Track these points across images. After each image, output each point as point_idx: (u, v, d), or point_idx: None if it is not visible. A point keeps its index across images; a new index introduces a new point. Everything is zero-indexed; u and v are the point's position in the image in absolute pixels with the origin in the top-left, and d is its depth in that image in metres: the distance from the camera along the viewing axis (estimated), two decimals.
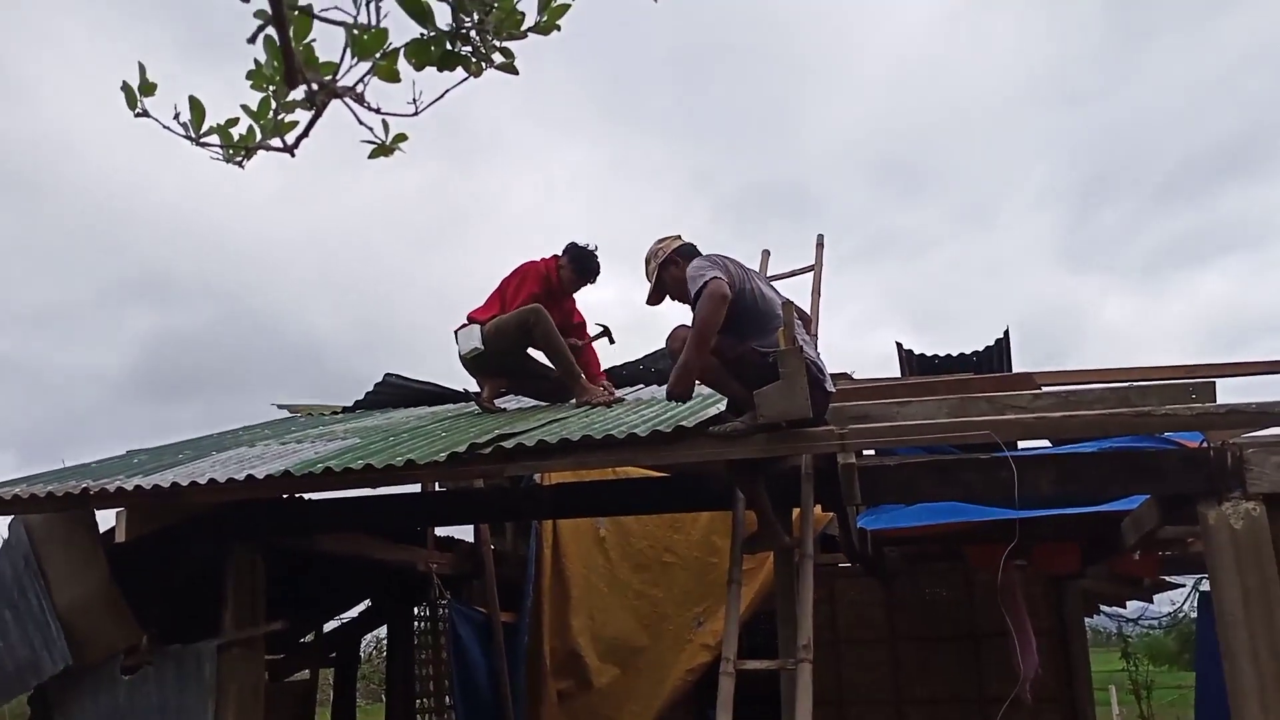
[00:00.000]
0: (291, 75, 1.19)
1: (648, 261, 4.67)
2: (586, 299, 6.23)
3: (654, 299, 4.65)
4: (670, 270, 4.54)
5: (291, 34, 1.14)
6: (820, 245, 6.24)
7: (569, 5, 1.38)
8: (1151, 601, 10.79)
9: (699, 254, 4.48)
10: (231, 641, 5.04)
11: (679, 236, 4.69)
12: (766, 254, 6.34)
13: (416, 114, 1.35)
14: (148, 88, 1.35)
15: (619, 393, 6.00)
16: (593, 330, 6.39)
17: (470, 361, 5.92)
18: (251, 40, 1.19)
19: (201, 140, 1.37)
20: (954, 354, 7.45)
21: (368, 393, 7.43)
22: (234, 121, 1.38)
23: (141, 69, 1.35)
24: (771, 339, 4.08)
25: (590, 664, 7.21)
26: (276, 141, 1.36)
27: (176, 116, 1.36)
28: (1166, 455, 4.17)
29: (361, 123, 1.33)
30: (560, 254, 6.15)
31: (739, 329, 4.15)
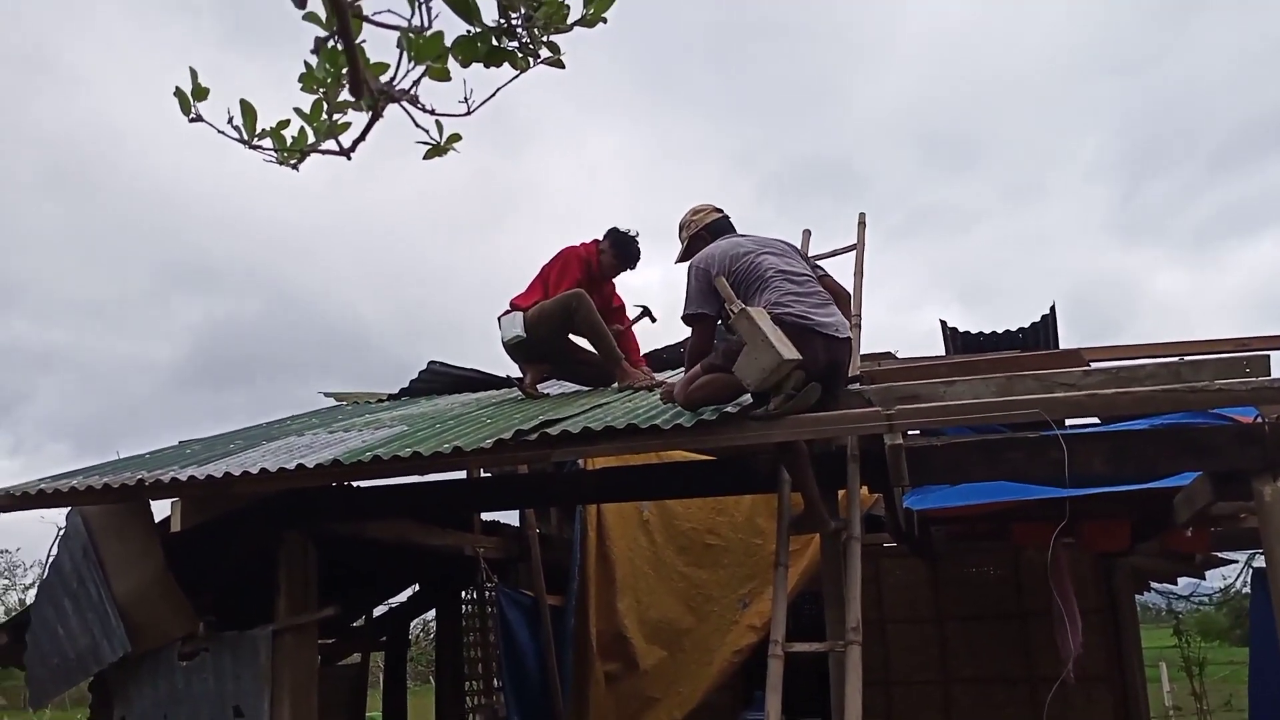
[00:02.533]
0: (357, 85, 1.19)
1: (681, 229, 4.94)
2: (630, 281, 6.24)
3: (683, 261, 4.82)
4: (698, 246, 4.75)
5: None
6: (862, 224, 6.18)
7: None
8: (1203, 578, 10.63)
9: (730, 229, 4.81)
10: (285, 627, 5.12)
11: (717, 210, 4.90)
12: (807, 234, 6.29)
13: (469, 113, 1.35)
14: (200, 92, 1.36)
15: (660, 376, 6.00)
16: (632, 313, 6.40)
17: (513, 348, 5.95)
18: (316, 51, 1.20)
19: (255, 144, 1.38)
20: (999, 331, 7.36)
21: (412, 380, 7.49)
22: (285, 124, 1.39)
23: (193, 74, 1.36)
24: (762, 299, 4.23)
25: (636, 646, 7.23)
26: (331, 144, 1.36)
27: (230, 120, 1.38)
28: (1220, 431, 4.10)
29: (417, 124, 1.34)
30: (601, 239, 6.16)
31: (746, 299, 4.26)
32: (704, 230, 4.82)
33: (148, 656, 5.19)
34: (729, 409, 4.13)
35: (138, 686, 5.23)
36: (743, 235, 4.74)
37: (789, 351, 3.90)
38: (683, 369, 4.68)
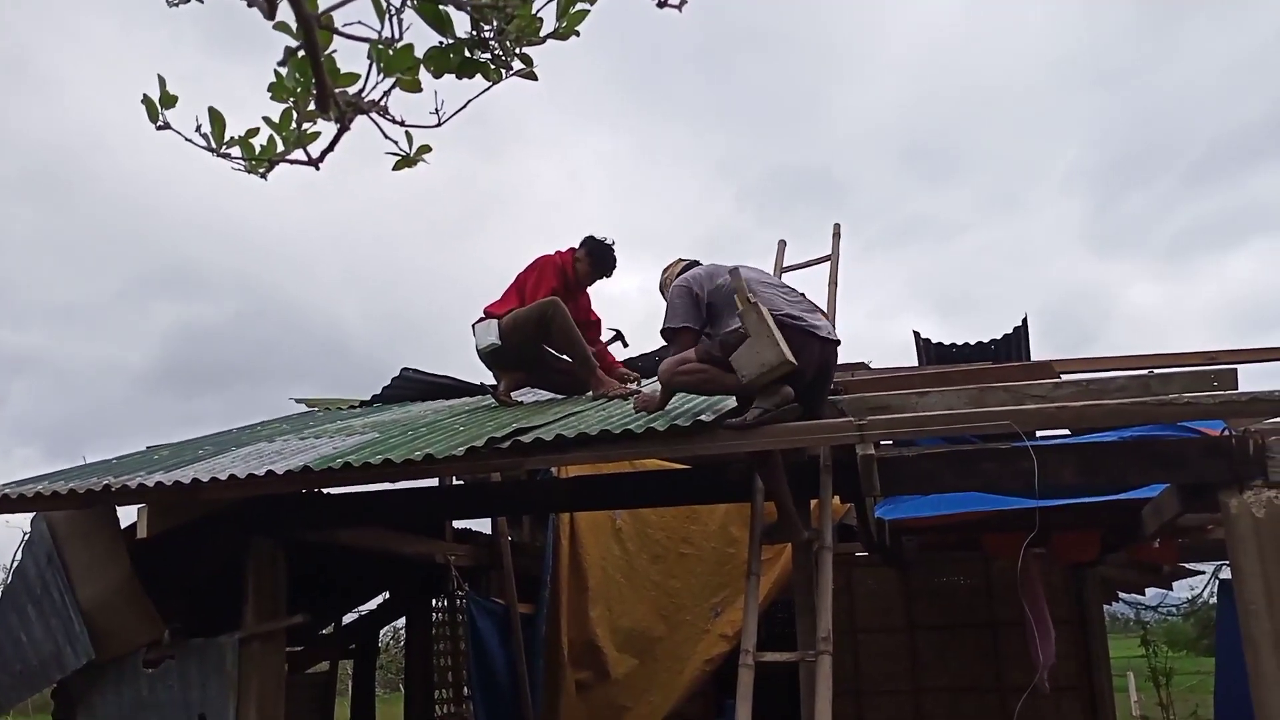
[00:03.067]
0: (324, 100, 1.18)
1: (662, 289, 4.87)
2: (606, 289, 6.25)
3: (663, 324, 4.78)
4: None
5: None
6: (837, 235, 6.21)
7: (588, 11, 1.37)
8: (1170, 588, 10.76)
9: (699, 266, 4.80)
10: (253, 635, 5.08)
11: (680, 260, 4.94)
12: (782, 244, 6.32)
13: (439, 125, 1.34)
14: (168, 99, 1.35)
15: (634, 385, 5.99)
16: (605, 335, 6.40)
17: (488, 355, 5.93)
18: (282, 64, 1.18)
19: (222, 152, 1.36)
20: (972, 342, 7.42)
21: (385, 387, 7.44)
22: (254, 132, 1.37)
23: (161, 81, 1.35)
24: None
25: (608, 654, 7.22)
26: (300, 154, 1.35)
27: (198, 128, 1.36)
28: (1188, 444, 4.14)
29: (387, 136, 1.33)
30: (577, 247, 6.15)
31: (717, 322, 4.35)
32: (677, 278, 4.81)
33: (112, 664, 5.12)
34: (704, 417, 4.13)
35: (102, 694, 5.16)
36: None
37: (790, 354, 3.95)
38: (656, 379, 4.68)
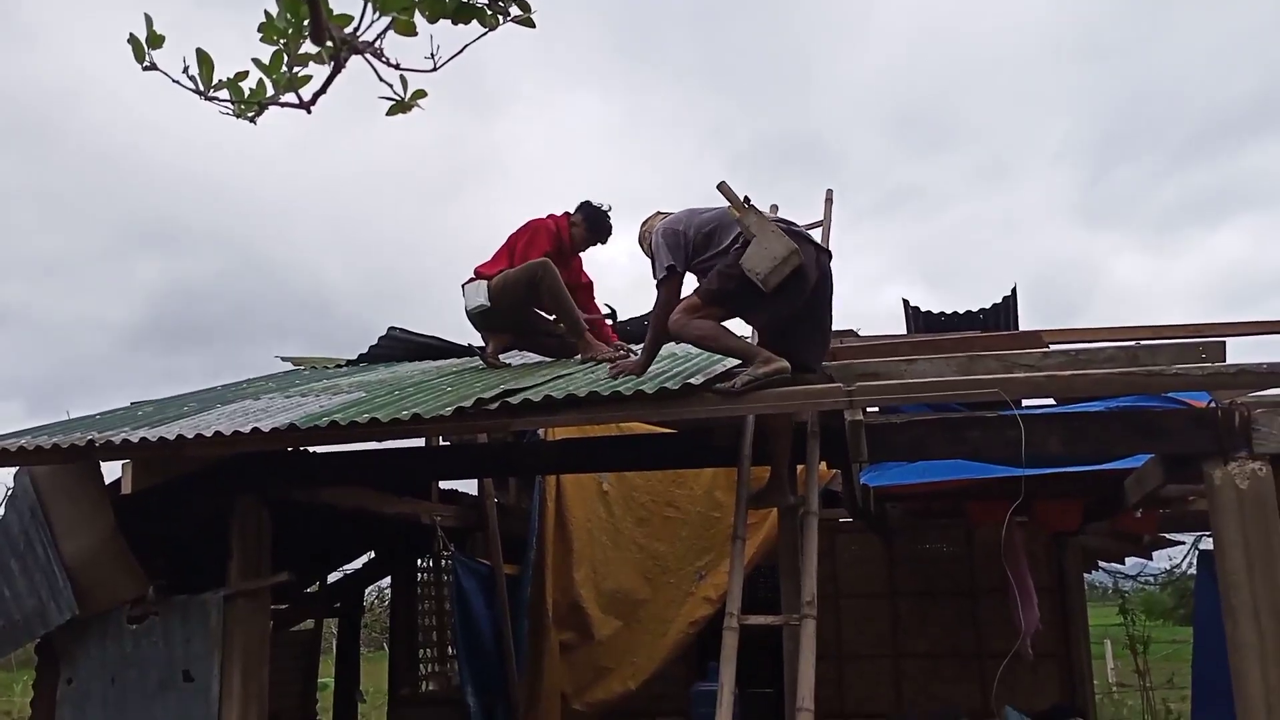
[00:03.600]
0: (319, 31, 1.15)
1: (641, 242, 4.92)
2: (598, 254, 6.20)
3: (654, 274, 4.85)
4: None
5: None
6: (829, 201, 6.17)
7: None
8: (1150, 558, 10.86)
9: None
10: (237, 592, 5.07)
11: (659, 212, 4.95)
12: (775, 209, 6.28)
13: (435, 69, 1.31)
14: (155, 39, 1.31)
15: (624, 348, 5.97)
16: (601, 309, 6.38)
17: (477, 316, 5.90)
18: None
19: (211, 95, 1.33)
20: (961, 311, 7.42)
21: (371, 346, 7.41)
22: (244, 75, 1.34)
23: (148, 20, 1.31)
24: (733, 232, 4.30)
25: (592, 616, 7.25)
26: (291, 97, 1.32)
27: (185, 70, 1.33)
28: (1174, 415, 4.16)
29: (381, 79, 1.29)
30: (573, 212, 6.10)
31: (706, 248, 4.41)
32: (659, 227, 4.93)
33: (96, 619, 5.12)
34: (693, 380, 4.12)
35: (85, 649, 5.16)
36: None
37: (791, 244, 4.07)
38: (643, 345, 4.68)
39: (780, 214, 5.98)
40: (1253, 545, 3.81)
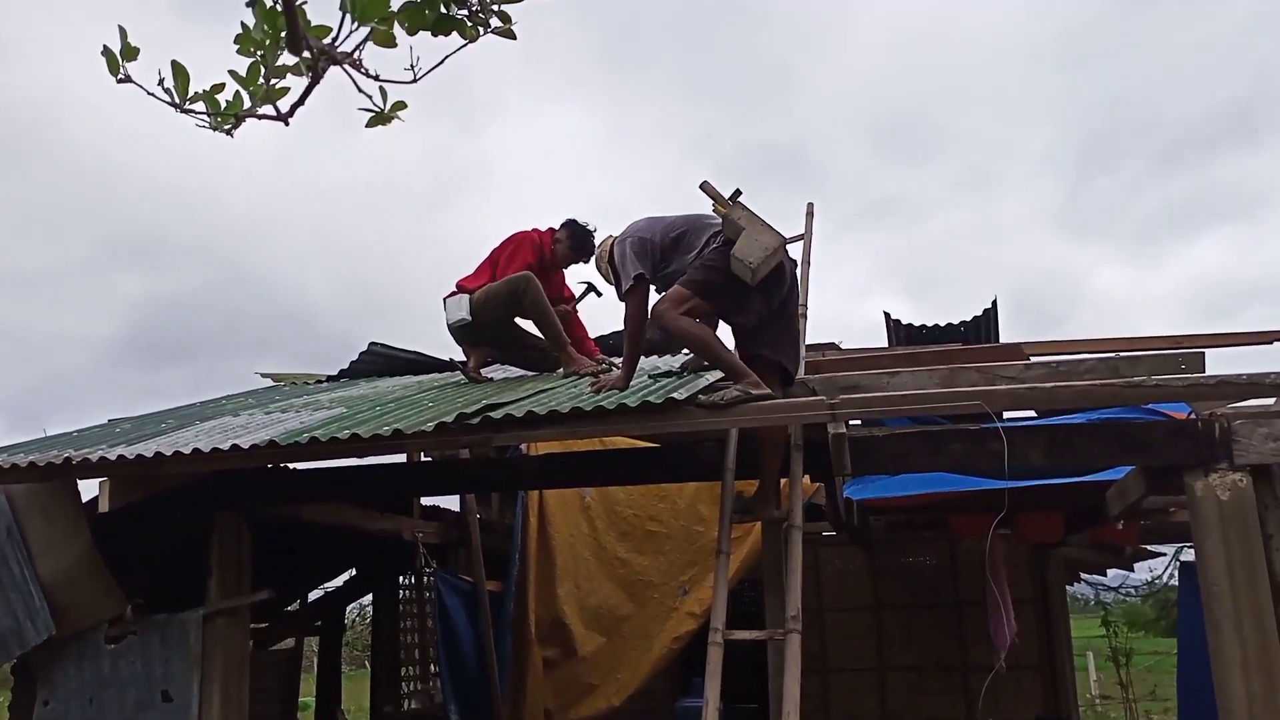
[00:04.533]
0: (295, 41, 1.13)
1: (598, 265, 4.95)
2: (579, 267, 6.17)
3: (618, 289, 4.77)
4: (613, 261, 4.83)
5: None
6: (810, 214, 6.20)
7: None
8: (1131, 570, 10.90)
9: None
10: (217, 611, 5.02)
11: (610, 236, 4.96)
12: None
13: (415, 81, 1.30)
14: (129, 51, 1.29)
15: (606, 362, 5.96)
16: (578, 290, 6.33)
17: (458, 330, 5.88)
18: (251, 5, 1.13)
19: (186, 108, 1.31)
20: (942, 324, 7.44)
21: (352, 362, 7.37)
22: (220, 87, 1.32)
23: (122, 32, 1.29)
24: (711, 229, 4.37)
25: (575, 632, 7.22)
26: (269, 109, 1.30)
27: (161, 82, 1.31)
28: (1155, 426, 4.17)
29: (361, 90, 1.28)
30: (558, 228, 6.09)
31: (676, 250, 4.45)
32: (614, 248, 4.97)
33: (73, 639, 5.05)
34: (677, 394, 4.11)
35: (63, 670, 5.09)
36: None
37: (779, 235, 4.18)
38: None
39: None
40: (1234, 556, 3.82)
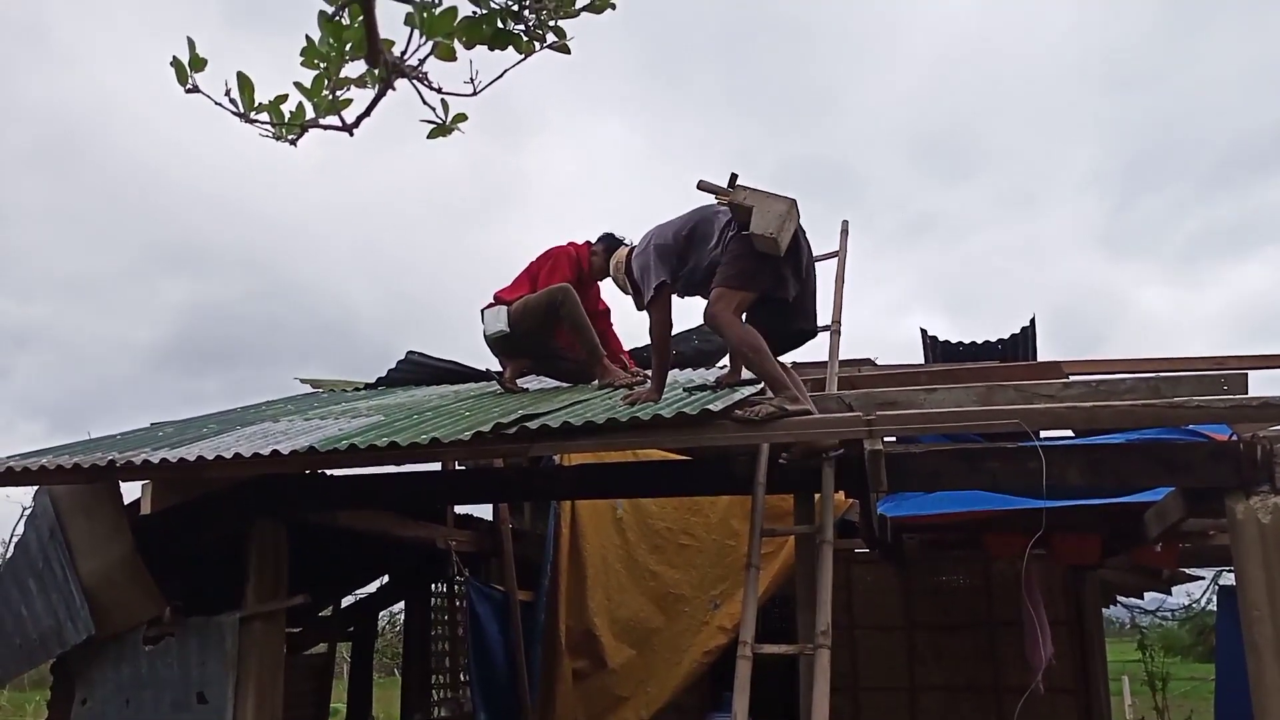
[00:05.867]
0: (374, 53, 1.17)
1: (615, 278, 5.18)
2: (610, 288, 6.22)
3: (639, 301, 4.83)
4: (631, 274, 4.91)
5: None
6: (845, 232, 6.19)
7: None
8: (1169, 593, 10.75)
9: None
10: (253, 614, 5.07)
11: (624, 247, 5.31)
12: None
13: (475, 94, 1.33)
14: (198, 63, 1.33)
15: (640, 374, 5.98)
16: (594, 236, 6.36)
17: (495, 342, 5.93)
18: (331, 18, 1.17)
19: (251, 118, 1.35)
20: (979, 341, 7.40)
21: (390, 370, 7.44)
22: (284, 98, 1.36)
23: (191, 44, 1.34)
24: (720, 221, 4.44)
25: (606, 644, 7.22)
26: (333, 120, 1.34)
27: (227, 93, 1.35)
28: (1195, 448, 4.13)
29: (425, 102, 1.31)
30: (595, 241, 6.14)
31: (698, 249, 4.49)
32: (627, 260, 5.05)
33: (112, 640, 5.12)
34: (712, 406, 4.12)
35: (100, 670, 5.17)
36: None
37: (786, 199, 4.21)
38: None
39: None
40: (1275, 580, 3.77)
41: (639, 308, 4.65)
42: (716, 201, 4.37)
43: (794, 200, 4.19)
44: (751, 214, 4.17)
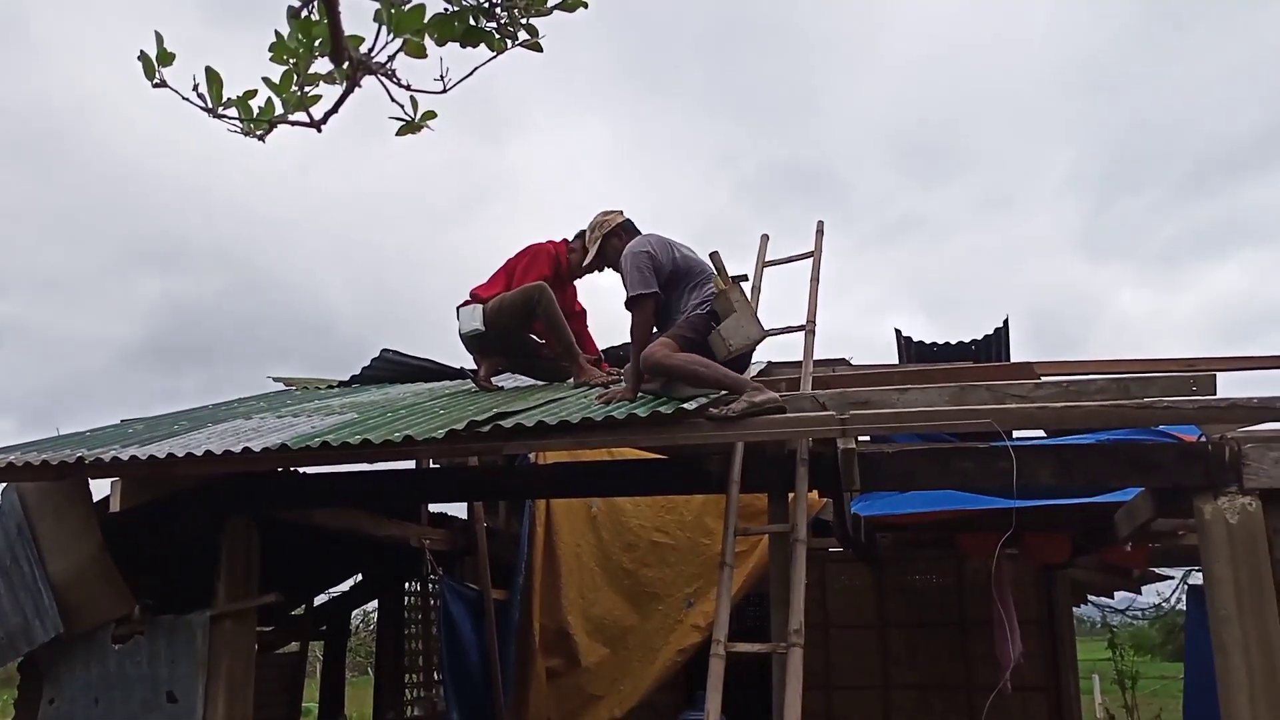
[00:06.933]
0: (339, 51, 1.16)
1: (591, 230, 5.46)
2: (593, 277, 6.19)
3: (595, 265, 5.49)
4: (613, 242, 5.30)
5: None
6: (820, 232, 6.21)
7: None
8: (1139, 592, 10.85)
9: (638, 231, 5.23)
10: (224, 613, 5.03)
11: (621, 212, 5.44)
12: (765, 238, 6.32)
13: (445, 91, 1.32)
14: (165, 57, 1.32)
15: (615, 374, 5.98)
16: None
17: (470, 340, 5.90)
18: (298, 14, 1.16)
19: (220, 113, 1.34)
20: (952, 342, 7.45)
21: (364, 368, 7.39)
22: (253, 94, 1.35)
23: (159, 38, 1.32)
24: (703, 290, 4.65)
25: (579, 642, 7.21)
26: (301, 116, 1.33)
27: (195, 88, 1.33)
28: (1164, 448, 4.17)
29: (393, 99, 1.31)
30: (572, 239, 6.11)
31: (674, 290, 4.74)
32: (618, 229, 5.35)
33: (81, 639, 5.07)
34: (687, 405, 4.12)
35: (69, 669, 5.11)
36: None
37: (763, 328, 4.60)
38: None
39: (772, 244, 6.06)
40: (1243, 580, 3.82)
41: (625, 303, 4.78)
42: (715, 281, 4.59)
43: (766, 335, 4.65)
44: (729, 316, 4.46)
